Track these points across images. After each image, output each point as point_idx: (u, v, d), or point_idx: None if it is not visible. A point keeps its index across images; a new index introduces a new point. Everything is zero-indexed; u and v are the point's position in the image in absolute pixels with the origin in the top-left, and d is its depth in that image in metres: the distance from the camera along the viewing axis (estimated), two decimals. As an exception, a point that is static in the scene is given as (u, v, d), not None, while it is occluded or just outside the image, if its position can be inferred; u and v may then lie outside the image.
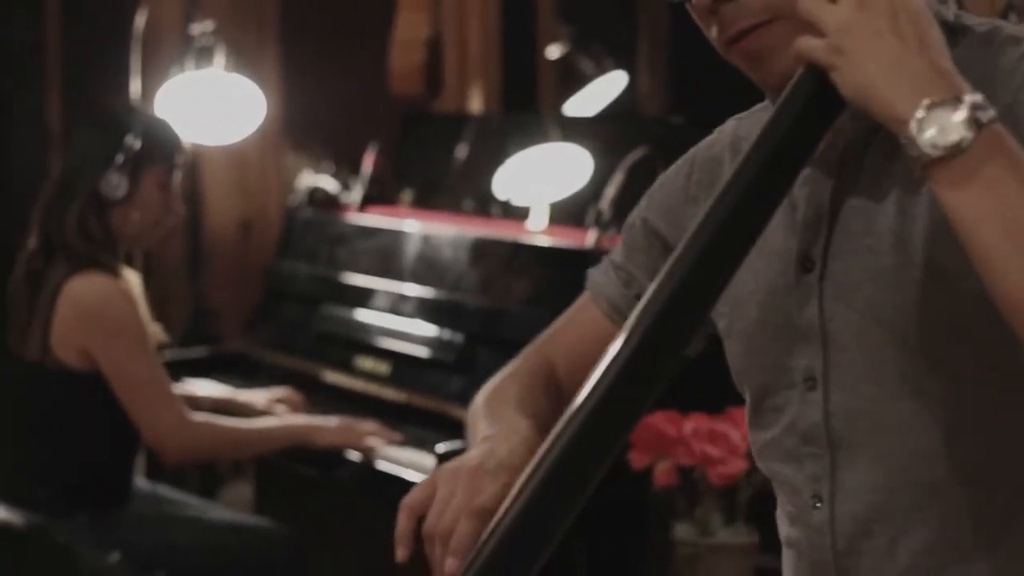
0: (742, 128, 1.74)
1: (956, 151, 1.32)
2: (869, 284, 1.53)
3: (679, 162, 1.81)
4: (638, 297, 1.71)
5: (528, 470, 1.35)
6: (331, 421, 3.77)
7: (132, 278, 3.59)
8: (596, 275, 1.87)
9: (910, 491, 1.55)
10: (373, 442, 3.69)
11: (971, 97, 1.33)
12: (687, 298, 1.36)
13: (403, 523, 1.57)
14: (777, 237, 1.61)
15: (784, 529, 1.69)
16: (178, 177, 3.69)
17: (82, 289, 3.51)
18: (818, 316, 1.57)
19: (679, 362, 1.37)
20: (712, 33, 1.57)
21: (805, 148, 1.41)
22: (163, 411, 3.56)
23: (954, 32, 1.54)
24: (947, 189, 1.34)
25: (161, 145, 3.65)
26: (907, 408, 1.53)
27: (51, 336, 3.52)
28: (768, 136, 1.39)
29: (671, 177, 1.81)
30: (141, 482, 3.87)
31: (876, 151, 1.55)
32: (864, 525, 1.58)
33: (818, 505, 1.61)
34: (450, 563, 1.50)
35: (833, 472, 1.59)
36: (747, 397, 1.70)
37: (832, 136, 1.55)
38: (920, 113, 1.33)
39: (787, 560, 1.70)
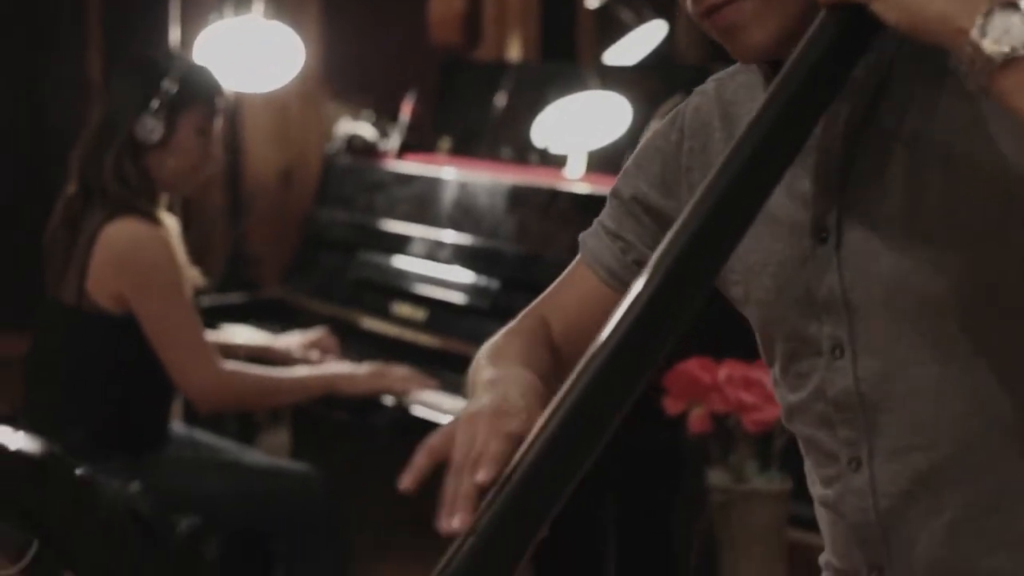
0: (727, 91, 1.71)
1: (1017, 55, 1.31)
2: (887, 251, 1.52)
3: (664, 128, 1.77)
4: (636, 263, 1.72)
5: (552, 405, 1.34)
6: (362, 368, 3.78)
7: (170, 223, 3.60)
8: (590, 240, 1.84)
9: (949, 449, 1.54)
10: (404, 388, 3.70)
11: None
12: (710, 238, 1.36)
13: (419, 459, 1.53)
14: (786, 207, 1.60)
15: (818, 490, 1.68)
16: (217, 123, 3.69)
17: (119, 234, 3.51)
18: (839, 286, 1.56)
19: (701, 302, 1.36)
20: (687, 4, 1.55)
21: (830, 92, 1.40)
22: (194, 358, 3.57)
23: None
24: (1008, 94, 1.32)
25: (199, 90, 3.65)
26: (938, 371, 1.53)
27: (87, 280, 3.53)
28: (792, 78, 1.38)
29: (660, 145, 1.77)
30: (177, 426, 3.88)
31: (884, 116, 1.54)
32: (905, 484, 1.57)
33: (857, 468, 1.60)
34: (481, 474, 1.43)
35: (869, 436, 1.58)
36: (774, 363, 1.69)
37: (837, 103, 1.53)
38: (979, 20, 1.31)
39: (824, 520, 1.70)
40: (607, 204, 1.84)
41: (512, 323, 1.82)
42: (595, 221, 1.85)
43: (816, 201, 1.57)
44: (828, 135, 1.56)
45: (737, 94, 1.68)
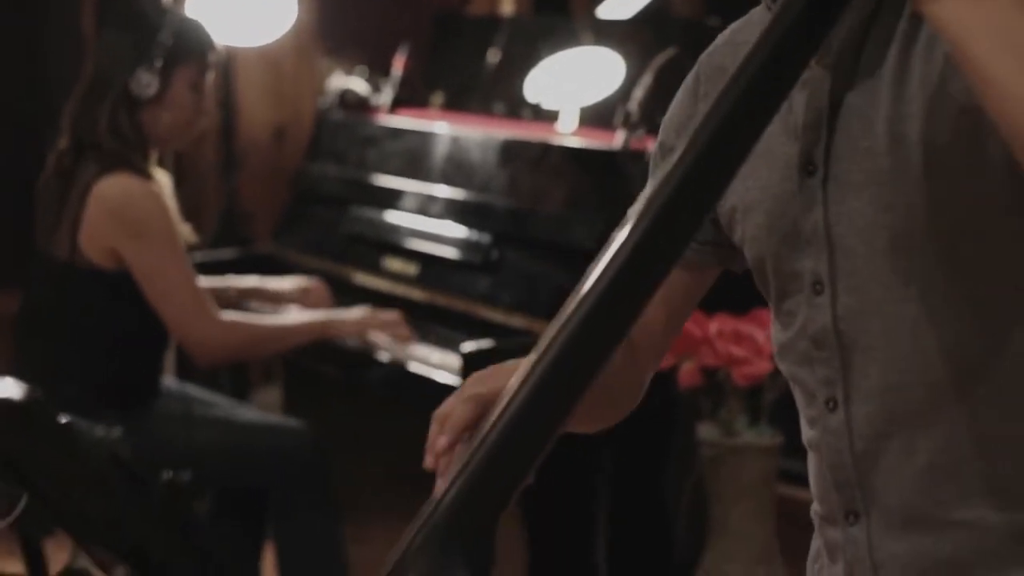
0: (741, 34, 1.71)
1: None
2: (870, 186, 1.52)
3: (687, 79, 1.77)
4: None
5: (534, 355, 1.31)
6: (351, 313, 3.80)
7: (163, 179, 3.60)
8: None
9: (924, 390, 1.54)
10: (392, 331, 3.73)
11: None
12: (696, 184, 1.35)
13: (433, 431, 1.55)
14: (779, 143, 1.60)
15: (805, 432, 1.68)
16: (210, 78, 3.69)
17: (112, 189, 3.51)
18: (823, 220, 1.56)
19: (686, 247, 1.36)
20: None
21: (818, 34, 1.38)
22: (192, 311, 3.57)
23: None
24: (939, 8, 1.33)
25: (192, 45, 3.64)
26: (915, 309, 1.52)
27: (80, 235, 3.52)
28: (782, 18, 1.36)
29: (680, 97, 1.78)
30: (170, 382, 3.88)
31: (870, 49, 1.54)
32: (880, 426, 1.57)
33: (833, 408, 1.60)
34: (442, 440, 1.50)
35: (845, 375, 1.58)
36: (770, 302, 1.69)
37: (830, 36, 1.52)
38: None
39: (811, 464, 1.69)
40: (650, 171, 1.84)
41: None
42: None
43: (806, 135, 1.57)
44: (819, 68, 1.56)
45: (752, 34, 1.67)
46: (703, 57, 1.76)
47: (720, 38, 1.75)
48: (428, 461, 1.54)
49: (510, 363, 1.59)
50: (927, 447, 1.55)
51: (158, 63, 3.56)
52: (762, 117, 1.37)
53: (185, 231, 3.64)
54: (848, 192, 1.54)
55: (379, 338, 3.78)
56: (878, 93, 1.52)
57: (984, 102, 1.33)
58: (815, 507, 1.71)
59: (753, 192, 1.64)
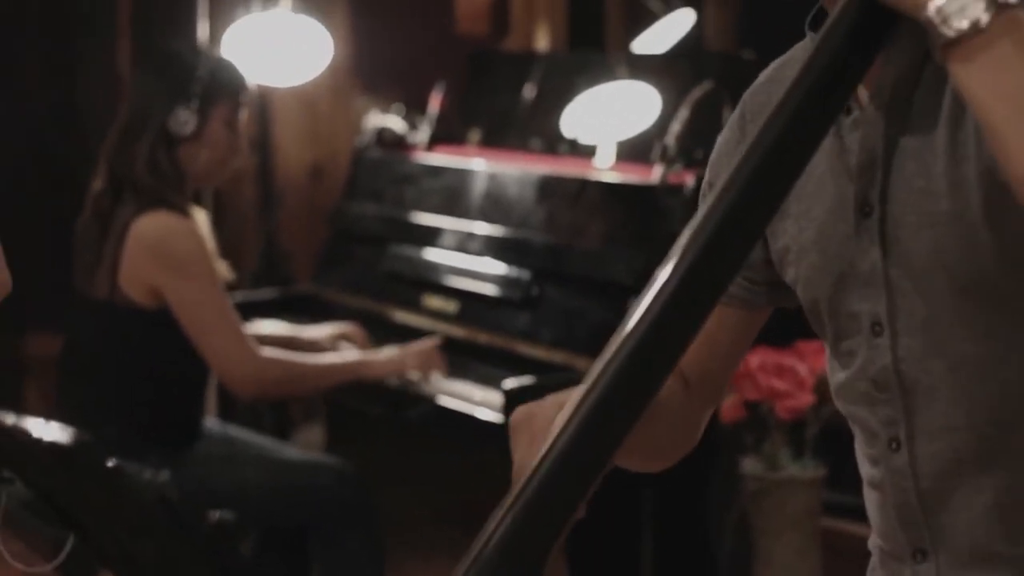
0: (784, 70, 1.71)
1: (974, 30, 1.31)
2: (928, 227, 1.51)
3: (731, 118, 1.79)
4: None
5: (585, 386, 1.34)
6: (383, 352, 3.82)
7: (200, 216, 3.62)
8: None
9: (988, 429, 1.54)
10: (424, 366, 3.76)
11: None
12: (737, 223, 1.36)
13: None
14: (833, 183, 1.60)
15: (865, 470, 1.68)
16: (243, 116, 3.72)
17: (150, 227, 3.54)
18: (880, 261, 1.55)
19: (734, 277, 1.37)
20: None
21: (857, 70, 1.39)
22: (234, 347, 3.59)
23: None
24: (961, 68, 1.33)
25: (227, 83, 3.68)
26: (977, 349, 1.52)
27: (120, 274, 3.55)
28: (820, 55, 1.38)
29: (725, 135, 1.79)
30: (212, 423, 3.89)
31: (924, 90, 1.53)
32: (945, 465, 1.56)
33: (897, 448, 1.59)
34: None
35: (908, 415, 1.57)
36: (825, 342, 1.69)
37: (880, 77, 1.53)
38: None
39: (871, 501, 1.69)
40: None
41: None
42: None
43: (861, 176, 1.56)
44: (873, 108, 1.56)
45: (795, 70, 1.67)
46: (747, 95, 1.77)
47: (763, 75, 1.76)
48: None
49: (551, 398, 1.59)
50: (993, 484, 1.55)
51: (195, 102, 3.60)
52: (802, 153, 1.38)
53: (223, 268, 3.67)
54: (905, 233, 1.53)
55: (414, 374, 3.79)
56: (934, 134, 1.51)
57: (1001, 167, 1.34)
58: (877, 541, 1.70)
59: (807, 233, 1.63)
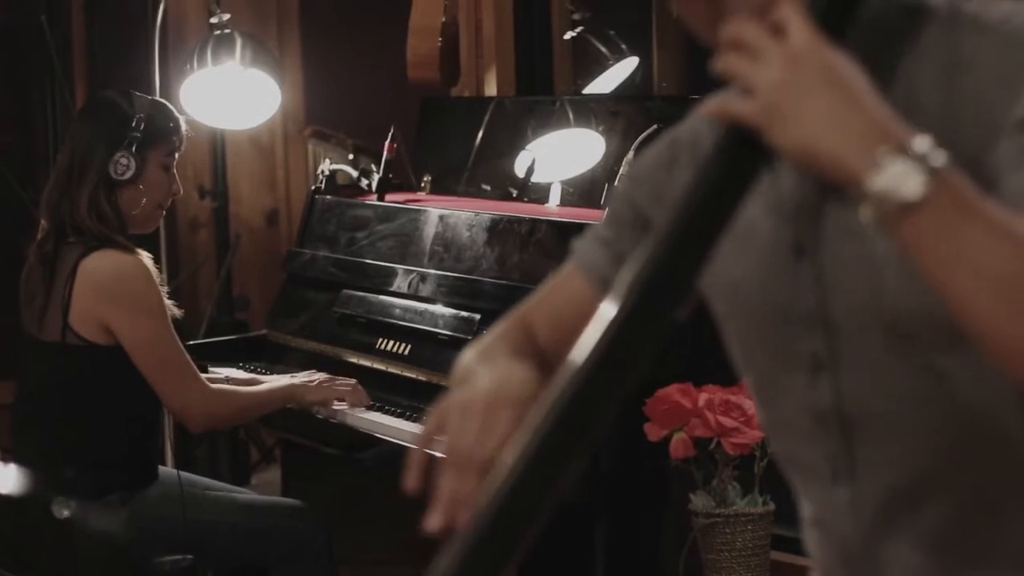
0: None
1: (912, 203, 1.30)
2: (862, 269, 1.50)
3: (661, 142, 1.78)
4: None
5: (528, 429, 1.33)
6: (314, 377, 3.93)
7: (145, 256, 3.67)
8: (584, 248, 1.83)
9: (928, 463, 1.54)
10: (351, 397, 3.88)
11: (919, 143, 1.31)
12: (676, 264, 1.34)
13: (415, 454, 1.55)
14: (768, 223, 1.59)
15: (805, 508, 1.68)
16: (176, 157, 3.79)
17: (99, 265, 3.59)
18: (817, 302, 1.55)
19: (669, 325, 1.37)
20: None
21: (739, 197, 1.37)
22: (187, 381, 3.65)
23: (913, 11, 1.51)
24: (908, 240, 1.33)
25: (162, 127, 3.76)
26: (916, 385, 1.52)
27: (70, 314, 3.59)
28: (697, 192, 1.36)
29: (656, 158, 1.78)
30: (170, 469, 3.91)
31: None
32: (887, 499, 1.57)
33: (838, 484, 1.59)
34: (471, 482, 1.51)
35: (850, 451, 1.57)
36: (750, 379, 1.69)
37: None
38: (869, 169, 1.31)
39: (811, 538, 1.69)
40: (605, 214, 1.84)
41: (497, 328, 1.83)
42: (588, 231, 1.85)
43: (797, 217, 1.56)
44: None
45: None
46: (683, 126, 1.76)
47: (697, 113, 1.73)
48: (410, 482, 1.53)
49: (481, 385, 1.61)
50: (935, 517, 1.55)
51: (133, 147, 3.66)
52: (728, 205, 1.36)
53: (171, 305, 3.71)
54: (841, 274, 1.52)
55: (340, 405, 3.90)
56: None
57: (961, 324, 1.34)
58: None
59: (738, 269, 1.63)
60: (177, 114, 3.83)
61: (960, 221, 1.30)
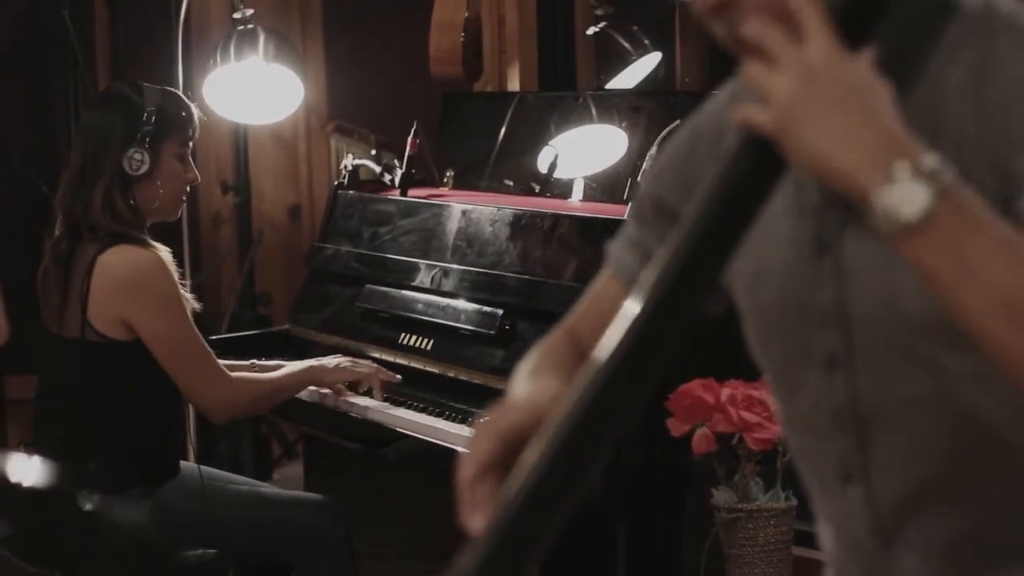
0: (743, 96, 1.64)
1: (919, 221, 1.32)
2: (885, 267, 1.50)
3: (682, 134, 1.79)
4: None
5: (550, 427, 1.35)
6: (333, 360, 3.94)
7: (163, 250, 3.66)
8: (618, 252, 1.84)
9: (943, 464, 1.54)
10: (371, 379, 3.91)
11: (928, 161, 1.33)
12: (699, 263, 1.35)
13: (464, 495, 1.55)
14: (790, 220, 1.60)
15: (820, 505, 1.68)
16: (191, 145, 3.77)
17: (116, 260, 3.58)
18: (834, 298, 1.56)
19: (691, 323, 1.37)
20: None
21: (763, 195, 1.39)
22: (208, 373, 3.65)
23: (946, 11, 1.51)
24: (915, 257, 1.34)
25: (175, 118, 3.73)
26: (931, 384, 1.52)
27: (89, 310, 3.59)
28: (722, 189, 1.38)
29: (678, 150, 1.79)
30: (191, 464, 3.92)
31: None
32: (900, 498, 1.57)
33: (852, 482, 1.60)
34: (465, 474, 1.53)
35: (864, 449, 1.58)
36: (769, 373, 1.69)
37: None
38: (878, 185, 1.32)
39: (825, 535, 1.70)
40: (631, 212, 1.86)
41: (543, 341, 1.84)
42: (620, 232, 1.86)
43: (820, 214, 1.57)
44: None
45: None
46: (702, 116, 1.77)
47: (717, 99, 1.75)
48: (476, 524, 1.51)
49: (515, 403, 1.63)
50: (949, 517, 1.56)
51: (146, 141, 3.64)
52: (752, 205, 1.37)
53: (189, 298, 3.71)
54: (862, 273, 1.53)
55: (356, 398, 3.93)
56: None
57: (972, 338, 1.35)
58: (831, 574, 1.71)
59: (761, 264, 1.63)
60: (188, 102, 3.80)
61: (966, 239, 1.32)
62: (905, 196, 1.32)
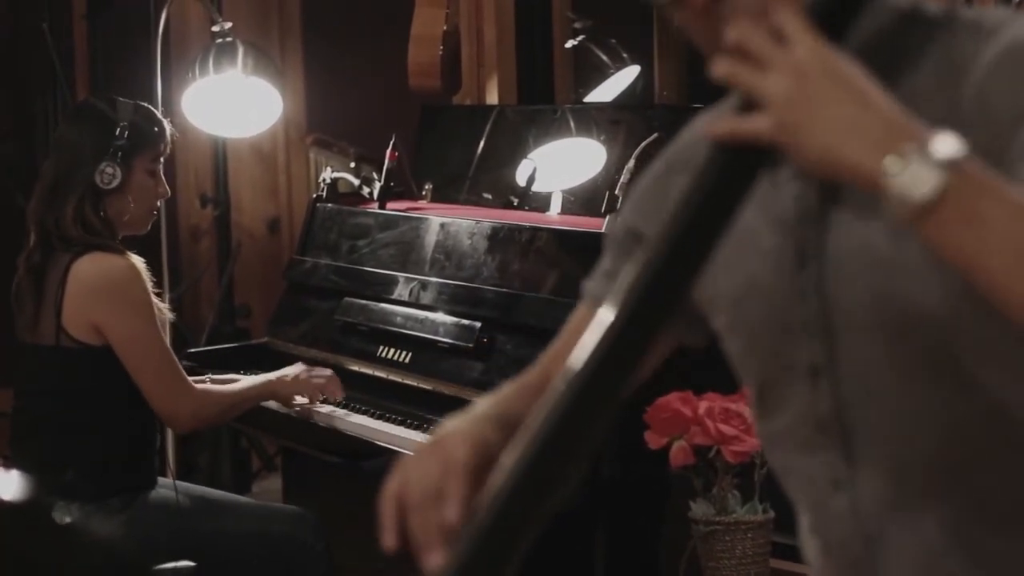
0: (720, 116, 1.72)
1: (935, 197, 1.32)
2: (868, 276, 1.51)
3: (657, 166, 1.79)
4: None
5: (523, 439, 1.35)
6: (291, 371, 3.96)
7: (137, 259, 3.67)
8: (592, 285, 1.83)
9: (929, 469, 1.55)
10: (327, 388, 3.94)
11: (937, 138, 1.34)
12: (666, 279, 1.36)
13: (387, 513, 1.63)
14: (768, 234, 1.60)
15: (805, 518, 1.69)
16: (163, 161, 3.79)
17: (90, 266, 3.61)
18: (817, 308, 1.56)
19: (658, 338, 1.38)
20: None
21: (736, 200, 1.38)
22: (172, 382, 3.66)
23: (909, 19, 1.53)
24: (937, 235, 1.34)
25: (148, 133, 3.75)
26: (918, 392, 1.53)
27: (63, 316, 3.60)
28: (695, 195, 1.38)
29: (650, 180, 1.79)
30: (168, 478, 3.91)
31: None
32: (887, 505, 1.58)
33: (839, 491, 1.60)
34: (450, 514, 1.55)
35: (850, 458, 1.58)
36: (751, 389, 1.69)
37: None
38: (889, 169, 1.33)
39: (811, 548, 1.70)
40: (606, 245, 1.85)
41: (518, 377, 1.84)
42: (595, 268, 1.85)
43: (799, 227, 1.57)
44: None
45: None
46: (675, 143, 1.77)
47: (690, 126, 1.76)
48: (389, 541, 1.60)
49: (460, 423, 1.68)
50: (936, 521, 1.55)
51: (118, 155, 3.65)
52: (721, 219, 1.37)
53: (163, 307, 3.72)
54: (845, 283, 1.53)
55: (318, 404, 3.96)
56: None
57: (1001, 311, 1.35)
58: None
59: (738, 280, 1.63)
60: (161, 117, 3.83)
61: (984, 207, 1.32)
62: (915, 178, 1.32)
